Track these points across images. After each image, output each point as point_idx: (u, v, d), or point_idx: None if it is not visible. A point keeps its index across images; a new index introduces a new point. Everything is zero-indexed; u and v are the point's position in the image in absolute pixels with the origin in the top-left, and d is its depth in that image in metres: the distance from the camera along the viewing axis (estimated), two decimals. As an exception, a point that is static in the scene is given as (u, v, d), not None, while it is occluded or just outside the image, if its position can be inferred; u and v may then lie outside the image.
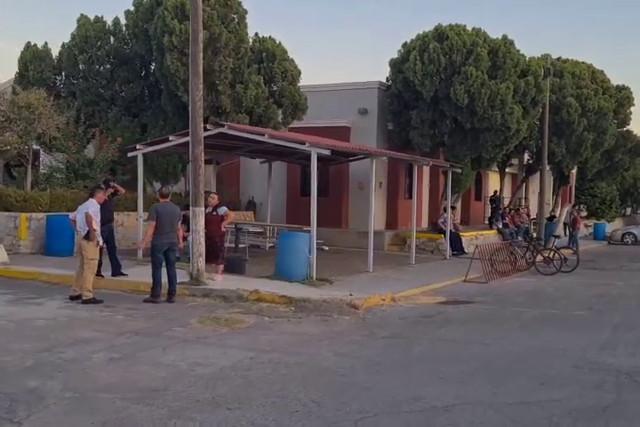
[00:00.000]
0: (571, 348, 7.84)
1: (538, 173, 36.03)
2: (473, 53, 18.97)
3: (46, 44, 20.49)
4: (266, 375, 6.43)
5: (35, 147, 18.90)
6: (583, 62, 30.39)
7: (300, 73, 19.64)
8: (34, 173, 18.27)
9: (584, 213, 46.78)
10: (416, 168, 17.35)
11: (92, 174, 17.91)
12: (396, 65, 20.54)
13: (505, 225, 25.25)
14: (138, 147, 14.67)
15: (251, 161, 22.22)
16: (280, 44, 19.40)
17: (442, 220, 20.46)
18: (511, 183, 33.47)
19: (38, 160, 19.57)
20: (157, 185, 19.78)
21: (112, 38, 19.55)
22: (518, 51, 20.61)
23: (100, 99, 19.30)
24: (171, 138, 14.30)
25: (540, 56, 27.17)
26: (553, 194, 35.24)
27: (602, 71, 30.97)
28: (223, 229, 12.16)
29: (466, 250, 20.14)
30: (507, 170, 30.39)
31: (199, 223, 10.97)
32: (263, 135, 13.13)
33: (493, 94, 18.94)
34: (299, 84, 19.68)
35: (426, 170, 24.40)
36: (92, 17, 19.68)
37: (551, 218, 27.09)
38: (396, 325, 9.38)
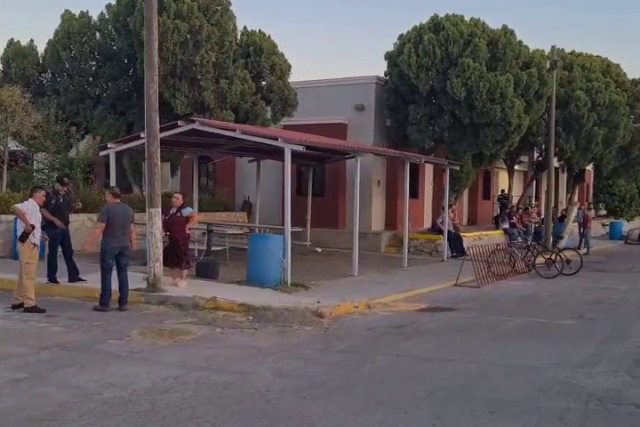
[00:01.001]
0: (544, 365, 6.93)
1: (563, 173, 35.49)
2: (470, 44, 18.01)
3: (32, 40, 19.94)
4: (180, 400, 5.64)
5: (16, 147, 18.37)
6: (598, 56, 29.28)
7: (289, 67, 18.85)
8: (14, 174, 17.71)
9: (603, 212, 45.60)
10: (408, 165, 16.40)
11: (72, 175, 17.25)
12: (391, 58, 19.65)
13: (512, 225, 24.20)
14: (109, 145, 13.96)
15: (246, 159, 21.47)
16: (269, 37, 18.63)
17: (440, 220, 19.52)
18: (522, 181, 32.33)
19: (25, 160, 19.00)
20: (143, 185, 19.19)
21: (98, 34, 18.91)
22: (520, 42, 19.61)
23: (85, 96, 18.65)
24: (142, 135, 13.51)
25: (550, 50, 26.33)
26: (567, 192, 34.07)
27: (617, 65, 29.79)
28: (188, 232, 11.40)
29: (467, 251, 19.20)
30: (516, 167, 29.33)
31: (155, 225, 10.21)
32: (235, 131, 12.32)
33: (492, 87, 17.96)
34: (289, 79, 18.92)
35: (428, 168, 23.50)
36: (78, 12, 19.08)
37: (562, 218, 25.99)
38: (359, 337, 8.53)
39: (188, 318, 9.20)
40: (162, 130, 13.32)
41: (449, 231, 19.49)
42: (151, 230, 10.21)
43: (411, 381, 6.31)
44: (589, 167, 34.48)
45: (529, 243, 16.95)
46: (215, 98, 17.09)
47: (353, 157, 19.43)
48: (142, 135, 13.54)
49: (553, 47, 21.75)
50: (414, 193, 23.59)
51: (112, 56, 18.40)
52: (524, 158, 29.74)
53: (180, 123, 12.96)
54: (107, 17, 18.33)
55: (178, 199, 11.34)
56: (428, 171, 23.47)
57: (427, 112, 19.37)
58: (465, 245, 19.73)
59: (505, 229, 23.54)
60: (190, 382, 6.18)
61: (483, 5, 64.15)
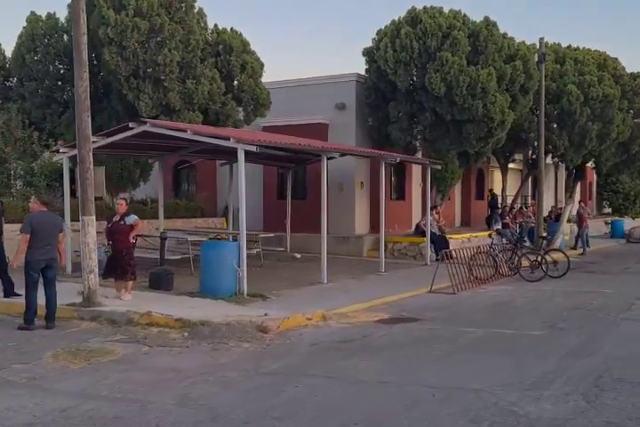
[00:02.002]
0: (489, 387, 6.11)
1: (549, 170, 34.49)
2: (449, 37, 17.17)
3: (-1, 44, 19.33)
4: (49, 440, 4.86)
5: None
6: (596, 50, 28.37)
7: (262, 66, 18.08)
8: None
9: (607, 210, 44.55)
10: (384, 165, 15.60)
11: (35, 182, 16.57)
12: (369, 54, 18.84)
13: (505, 225, 23.30)
14: (62, 150, 13.25)
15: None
16: (240, 35, 17.86)
17: (424, 222, 18.68)
18: (520, 180, 31.35)
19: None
20: (124, 193, 18.46)
21: (65, 36, 18.21)
22: (504, 34, 18.76)
23: (52, 101, 17.92)
24: (94, 139, 12.80)
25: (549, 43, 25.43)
26: (566, 191, 33.06)
27: (615, 59, 28.85)
28: (132, 241, 10.63)
29: (453, 254, 18.33)
30: (511, 166, 28.44)
31: (89, 235, 9.45)
32: (185, 131, 11.55)
33: (473, 82, 17.10)
34: (262, 78, 18.14)
35: (416, 168, 22.64)
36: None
37: (557, 217, 25.10)
38: (298, 354, 7.72)
39: (117, 336, 8.43)
40: (113, 133, 12.72)
41: (434, 233, 18.68)
42: (84, 240, 9.45)
43: (328, 412, 5.50)
44: (589, 164, 33.55)
45: (514, 244, 16.01)
46: (182, 99, 16.33)
47: (334, 158, 18.89)
48: (94, 139, 12.87)
49: (541, 39, 20.86)
50: (401, 194, 22.82)
51: (79, 58, 17.66)
52: (519, 156, 28.92)
53: (131, 125, 12.23)
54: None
55: (121, 206, 10.59)
56: (416, 171, 22.62)
57: (407, 110, 18.54)
58: (451, 248, 18.92)
59: (497, 230, 22.66)
60: (75, 417, 5.40)
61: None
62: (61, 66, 18.06)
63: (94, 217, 9.57)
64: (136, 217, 10.64)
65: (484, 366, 6.97)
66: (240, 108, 17.85)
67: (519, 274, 15.11)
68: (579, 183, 34.69)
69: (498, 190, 28.30)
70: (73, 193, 19.06)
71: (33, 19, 18.09)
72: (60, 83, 18.00)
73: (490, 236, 16.03)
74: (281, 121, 20.65)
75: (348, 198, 20.69)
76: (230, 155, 16.81)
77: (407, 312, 10.61)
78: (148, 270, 12.03)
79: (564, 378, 6.42)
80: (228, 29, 17.97)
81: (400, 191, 22.53)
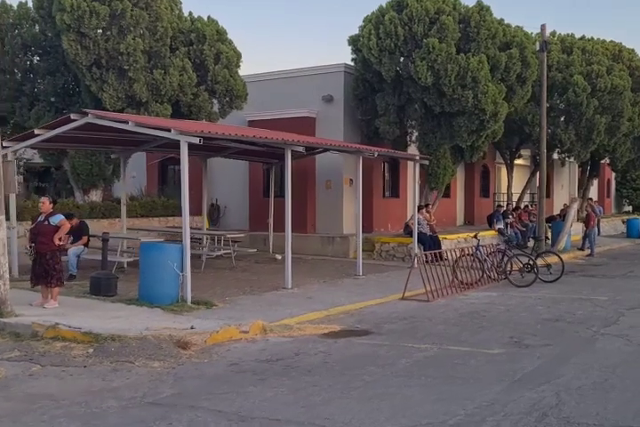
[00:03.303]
0: (402, 428, 4.97)
1: (562, 166, 32.97)
2: (437, 23, 15.95)
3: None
4: None
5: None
6: (611, 41, 26.92)
7: (239, 56, 17.03)
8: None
9: (627, 208, 42.83)
10: (358, 160, 14.45)
11: None
12: (355, 43, 17.66)
13: (508, 225, 21.99)
14: (5, 144, 12.25)
15: (214, 159, 19.72)
16: (214, 23, 16.83)
17: (413, 221, 17.45)
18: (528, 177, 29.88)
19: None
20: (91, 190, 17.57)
21: (37, 26, 17.31)
22: (500, 20, 17.49)
23: (21, 93, 17.05)
24: (37, 132, 11.88)
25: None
26: (580, 188, 31.57)
27: (632, 50, 27.41)
28: (59, 243, 9.62)
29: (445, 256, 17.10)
30: (519, 162, 27.07)
31: (-3, 237, 8.45)
32: (127, 123, 10.52)
33: (463, 70, 15.87)
34: (239, 69, 17.11)
35: (411, 165, 21.36)
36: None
37: (564, 216, 23.68)
38: (206, 377, 6.65)
39: (13, 353, 7.42)
40: (55, 125, 11.74)
41: (424, 234, 17.49)
42: (-6, 242, 8.47)
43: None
44: (604, 160, 32.01)
45: (516, 246, 14.75)
46: (149, 90, 15.35)
47: (317, 153, 17.78)
48: (37, 132, 11.96)
49: (543, 26, 19.52)
50: (395, 192, 21.62)
51: (49, 48, 16.79)
52: (527, 152, 27.54)
53: (73, 116, 11.23)
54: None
55: (44, 204, 9.58)
56: (412, 168, 21.32)
57: (395, 102, 17.35)
58: (444, 249, 17.69)
59: (499, 230, 21.38)
60: None
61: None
62: (32, 57, 17.20)
63: (4, 217, 8.57)
64: (62, 217, 9.64)
65: (409, 398, 5.83)
66: (215, 101, 16.83)
67: (508, 279, 13.88)
68: (594, 180, 33.31)
69: (503, 188, 26.99)
70: (39, 190, 18.19)
71: (2, 8, 17.22)
72: (30, 75, 17.15)
73: (475, 237, 14.76)
74: (266, 115, 19.62)
75: (336, 196, 19.55)
76: (205, 150, 15.86)
77: (364, 323, 9.49)
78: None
79: (499, 416, 5.26)
80: (203, 17, 16.97)
81: (394, 189, 21.34)
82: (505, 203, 23.97)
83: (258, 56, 69.64)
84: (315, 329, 9.05)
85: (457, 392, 5.94)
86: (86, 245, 12.48)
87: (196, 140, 9.96)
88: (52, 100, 16.91)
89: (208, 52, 16.19)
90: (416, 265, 12.80)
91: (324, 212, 19.75)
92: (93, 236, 13.19)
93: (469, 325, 9.36)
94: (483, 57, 15.98)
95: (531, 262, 14.16)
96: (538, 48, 19.25)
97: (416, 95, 16.73)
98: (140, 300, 10.06)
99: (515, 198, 25.69)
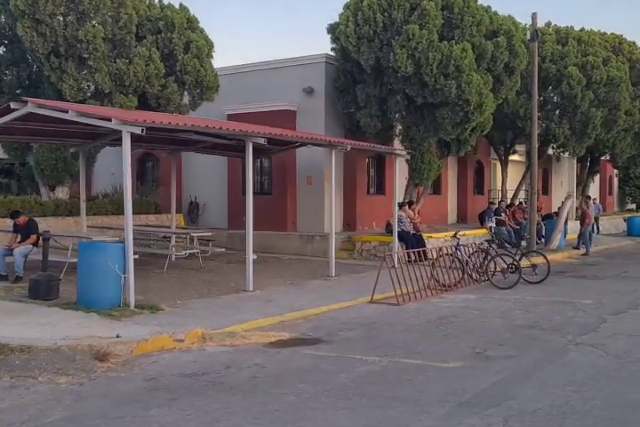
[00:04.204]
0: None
1: (562, 162, 32.00)
2: (418, 9, 15.05)
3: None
4: None
5: None
6: (612, 33, 25.98)
7: (211, 45, 16.19)
8: None
9: (631, 206, 41.80)
10: (331, 154, 13.58)
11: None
12: (334, 30, 16.79)
13: (500, 223, 21.08)
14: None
15: (193, 155, 18.91)
16: (186, 10, 15.99)
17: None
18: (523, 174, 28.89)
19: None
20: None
21: (2, 15, 16.50)
22: (487, 8, 16.59)
23: (-16, 86, 16.27)
24: (-24, 122, 11.05)
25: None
26: (579, 185, 30.60)
27: (632, 43, 26.46)
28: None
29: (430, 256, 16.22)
30: (513, 158, 26.09)
31: None
32: (67, 112, 9.68)
33: (445, 59, 14.97)
34: (211, 59, 16.25)
35: (400, 160, 20.51)
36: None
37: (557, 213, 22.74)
38: (111, 396, 5.81)
39: None
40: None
41: (406, 232, 16.64)
42: None
43: None
44: (605, 157, 31.02)
45: (489, 246, 13.81)
46: (112, 81, 14.53)
47: (298, 147, 16.88)
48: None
49: (534, 15, 18.57)
50: (380, 189, 20.72)
51: (13, 38, 15.96)
52: (522, 147, 26.58)
53: (13, 105, 10.40)
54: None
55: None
56: (400, 164, 20.45)
57: (376, 93, 16.46)
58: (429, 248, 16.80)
59: (491, 228, 20.47)
60: None
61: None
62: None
63: None
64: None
65: (330, 426, 4.97)
66: (185, 92, 16.00)
67: (489, 280, 13.00)
68: (593, 177, 32.31)
69: (499, 184, 26.07)
70: None
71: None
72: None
73: (454, 236, 13.87)
74: (246, 108, 18.80)
75: (318, 192, 18.66)
76: (170, 143, 15.06)
77: (318, 331, 8.64)
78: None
79: (428, 449, 4.41)
80: (175, 5, 16.12)
81: (379, 185, 20.44)
82: (497, 200, 23.04)
83: (238, 48, 68.54)
84: (261, 337, 8.21)
85: (390, 418, 5.08)
86: (35, 244, 11.67)
87: (138, 130, 9.12)
88: (18, 92, 16.10)
89: (177, 40, 15.35)
90: (396, 265, 11.95)
91: (306, 209, 18.92)
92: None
93: (433, 332, 8.49)
94: (467, 45, 15.08)
95: (514, 263, 13.28)
96: (529, 37, 18.39)
97: (397, 86, 15.85)
98: (77, 304, 9.25)
99: (510, 195, 24.78)
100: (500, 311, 10.01)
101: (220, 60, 41.12)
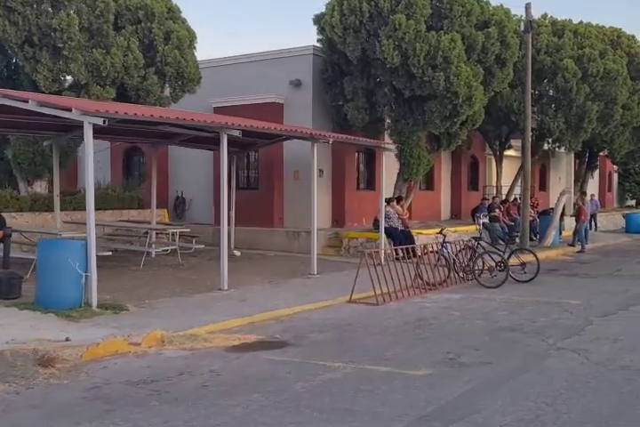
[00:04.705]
0: None
1: (560, 158, 31.47)
2: (405, -2, 14.54)
3: None
4: None
5: None
6: (611, 27, 25.44)
7: (193, 36, 15.72)
8: None
9: (631, 202, 41.30)
10: (313, 147, 13.10)
11: None
12: (320, 21, 16.28)
13: (494, 219, 20.57)
14: None
15: (180, 149, 18.43)
16: (167, -1, 15.50)
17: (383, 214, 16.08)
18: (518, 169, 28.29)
19: None
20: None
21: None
22: (478, -4, 16.08)
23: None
24: None
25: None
26: (577, 181, 30.09)
27: (632, 36, 25.92)
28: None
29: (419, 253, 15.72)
30: (509, 153, 25.58)
31: None
32: (26, 102, 9.21)
33: (433, 50, 14.47)
34: (193, 50, 15.76)
35: (388, 155, 20.03)
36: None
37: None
38: (46, 407, 5.36)
39: None
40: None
41: (394, 228, 16.16)
42: None
43: None
44: (603, 152, 30.48)
45: (475, 243, 13.32)
46: (89, 71, 14.05)
47: (288, 139, 16.38)
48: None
49: (527, 5, 18.03)
50: (370, 184, 20.22)
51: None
52: (518, 142, 26.06)
53: (-25, 96, 9.93)
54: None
55: None
56: (390, 158, 19.99)
57: (364, 85, 15.98)
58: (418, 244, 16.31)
59: (484, 225, 19.97)
60: None
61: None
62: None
63: None
64: None
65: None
66: (167, 84, 15.52)
67: (476, 279, 12.52)
68: (592, 173, 31.79)
69: (493, 180, 25.57)
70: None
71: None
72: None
73: (440, 232, 13.40)
74: (232, 101, 18.33)
75: (305, 188, 18.12)
76: (149, 136, 14.58)
77: (288, 333, 8.18)
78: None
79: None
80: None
81: (369, 180, 19.96)
82: (492, 196, 22.57)
83: (225, 40, 67.75)
84: (225, 340, 7.75)
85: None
86: (1, 240, 11.21)
87: (99, 122, 8.64)
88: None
89: (157, 30, 14.87)
90: (382, 262, 11.48)
91: (293, 204, 18.44)
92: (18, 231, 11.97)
93: (409, 335, 8.02)
94: (455, 35, 14.57)
95: (502, 261, 12.79)
96: (523, 29, 17.87)
97: (384, 78, 15.36)
98: (36, 304, 8.80)
99: (505, 191, 24.30)
100: (482, 313, 9.53)
101: (207, 53, 40.63)
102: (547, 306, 10.09)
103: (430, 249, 12.85)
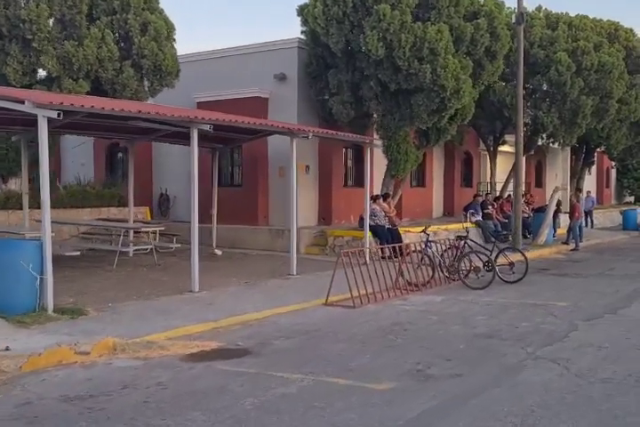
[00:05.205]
0: None
1: (556, 154, 30.94)
2: (390, -13, 14.00)
3: None
4: None
5: None
6: (608, 20, 24.88)
7: (171, 27, 15.18)
8: None
9: (629, 199, 40.79)
10: (292, 142, 12.59)
11: None
12: (303, 12, 15.74)
13: (487, 216, 20.12)
14: None
15: (165, 145, 17.93)
16: (143, -12, 14.93)
17: (369, 212, 15.57)
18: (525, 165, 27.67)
19: None
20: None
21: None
22: (467, -14, 15.52)
23: None
24: None
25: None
26: (574, 177, 29.57)
27: (629, 30, 25.38)
28: None
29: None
30: (504, 149, 25.04)
31: None
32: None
33: (419, 41, 13.94)
34: (174, 42, 15.25)
35: (378, 151, 19.49)
36: None
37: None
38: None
39: None
40: None
41: (381, 226, 15.67)
42: None
43: None
44: (600, 148, 29.92)
45: (459, 241, 12.79)
46: (60, 64, 13.53)
47: (270, 135, 15.86)
48: None
49: (520, -4, 17.47)
50: (359, 181, 19.66)
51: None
52: (512, 138, 25.53)
53: None
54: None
55: None
56: (381, 154, 19.45)
57: (348, 79, 15.45)
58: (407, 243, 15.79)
59: (477, 222, 19.49)
60: None
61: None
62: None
63: None
64: None
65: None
66: (144, 78, 14.98)
67: (461, 279, 12.02)
68: (589, 169, 31.27)
69: (488, 176, 25.06)
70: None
71: None
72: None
73: (423, 231, 12.89)
74: (215, 96, 17.82)
75: (290, 185, 17.63)
76: (125, 132, 14.06)
77: (252, 339, 7.68)
78: None
79: None
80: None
81: (358, 177, 19.42)
82: (484, 193, 22.06)
83: (210, 33, 66.92)
84: (182, 348, 7.25)
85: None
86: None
87: (53, 115, 8.14)
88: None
89: (133, 21, 14.33)
90: (367, 262, 10.97)
91: (278, 202, 17.91)
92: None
93: (379, 343, 7.52)
94: (442, 26, 14.03)
95: (489, 260, 12.28)
96: (515, 21, 17.34)
97: (369, 71, 14.83)
98: (-13, 308, 8.30)
99: (499, 188, 23.79)
100: (462, 317, 9.03)
101: (192, 47, 39.96)
102: (532, 309, 9.59)
103: (413, 248, 12.33)
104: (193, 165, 10.67)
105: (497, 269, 12.08)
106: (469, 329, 8.17)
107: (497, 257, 12.46)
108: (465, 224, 15.03)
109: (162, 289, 10.64)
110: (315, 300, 10.22)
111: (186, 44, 53.30)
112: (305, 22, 15.56)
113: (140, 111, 9.43)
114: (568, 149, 28.42)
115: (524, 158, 26.53)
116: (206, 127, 10.32)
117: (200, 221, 18.09)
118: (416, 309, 9.78)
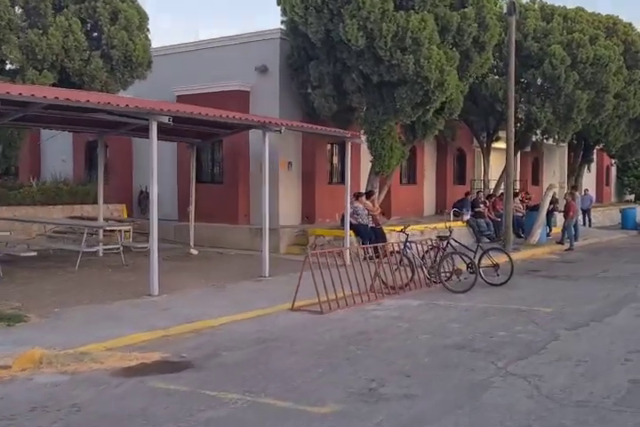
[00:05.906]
0: None
1: (554, 151, 30.19)
2: (372, -26, 13.27)
3: None
4: None
5: None
6: (607, 15, 24.14)
7: (144, 17, 14.50)
8: None
9: (629, 197, 40.05)
10: (264, 136, 11.91)
11: None
12: (282, 0, 15.02)
13: (478, 215, 19.43)
14: None
15: (144, 141, 17.20)
16: (114, -24, 14.25)
17: (351, 210, 14.87)
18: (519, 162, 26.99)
19: None
20: None
21: None
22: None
23: None
24: None
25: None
26: (571, 175, 28.83)
27: (628, 24, 24.62)
28: None
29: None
30: (498, 145, 24.31)
31: None
32: None
33: (401, 31, 13.22)
34: (147, 33, 14.59)
35: (364, 147, 18.76)
36: None
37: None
38: None
39: None
40: None
41: (363, 225, 14.96)
42: None
43: None
44: (599, 145, 29.16)
45: (440, 242, 12.07)
46: (24, 54, 12.85)
47: (248, 129, 15.16)
48: None
49: (511, -16, 16.76)
50: (344, 178, 18.97)
51: None
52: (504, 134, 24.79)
53: None
54: None
55: None
56: (365, 150, 18.74)
57: (330, 71, 14.75)
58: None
59: (468, 221, 18.79)
60: None
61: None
62: None
63: None
64: None
65: None
66: (115, 70, 14.30)
67: (442, 282, 11.32)
68: (588, 166, 30.50)
69: (479, 173, 24.36)
70: None
71: None
72: None
73: (402, 231, 12.20)
74: (195, 89, 17.13)
75: (272, 182, 16.92)
76: (96, 125, 13.38)
77: (200, 350, 7.00)
78: None
79: None
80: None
81: (343, 174, 18.66)
82: (475, 190, 21.35)
83: (192, 24, 66.12)
84: (120, 360, 6.58)
85: None
86: None
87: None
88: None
89: (102, 10, 13.66)
90: (347, 263, 10.28)
91: (259, 200, 17.16)
92: None
93: (337, 354, 6.82)
94: (426, 15, 13.31)
95: (472, 262, 11.57)
96: (506, 11, 16.64)
97: (351, 62, 14.13)
98: None
99: (492, 185, 23.09)
100: (435, 324, 8.33)
101: (171, 39, 39.02)
102: (513, 315, 8.89)
103: (391, 249, 11.63)
104: (152, 159, 10.08)
105: (481, 271, 11.42)
106: (439, 339, 7.47)
107: (481, 258, 11.76)
108: (448, 223, 14.22)
109: (120, 292, 9.97)
110: (281, 304, 9.54)
111: (167, 36, 52.64)
112: (284, 11, 14.84)
113: (88, 101, 8.72)
114: (565, 145, 27.68)
115: (520, 155, 25.91)
116: (165, 119, 9.62)
117: (178, 219, 17.78)
118: (388, 314, 9.09)
